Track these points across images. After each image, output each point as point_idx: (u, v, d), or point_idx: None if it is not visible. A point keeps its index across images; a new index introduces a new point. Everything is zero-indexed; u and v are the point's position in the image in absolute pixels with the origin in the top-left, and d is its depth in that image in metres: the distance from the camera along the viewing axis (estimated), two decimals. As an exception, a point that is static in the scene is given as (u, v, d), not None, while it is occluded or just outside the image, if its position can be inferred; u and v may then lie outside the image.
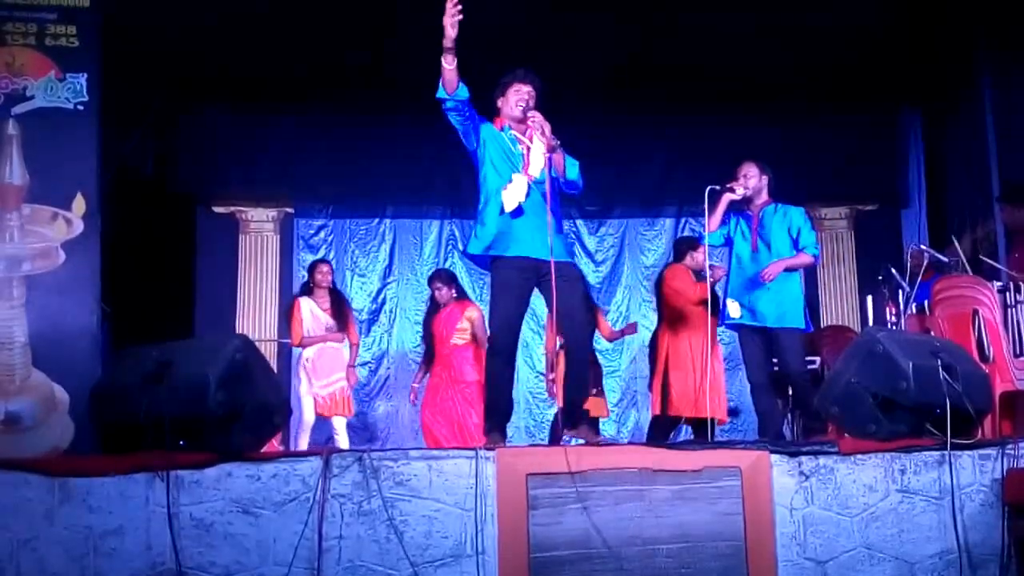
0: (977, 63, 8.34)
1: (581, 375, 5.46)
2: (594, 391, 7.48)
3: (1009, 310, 6.53)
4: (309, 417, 7.81)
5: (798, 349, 6.14)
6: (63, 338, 5.58)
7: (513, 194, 5.21)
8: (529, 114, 5.27)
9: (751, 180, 6.32)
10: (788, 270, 6.12)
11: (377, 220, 10.03)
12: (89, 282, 5.73)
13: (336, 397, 7.88)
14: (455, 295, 8.04)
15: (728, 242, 6.41)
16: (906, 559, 4.49)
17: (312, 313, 7.92)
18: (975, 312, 6.31)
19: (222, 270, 9.65)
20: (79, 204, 5.73)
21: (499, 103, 5.47)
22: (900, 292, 7.36)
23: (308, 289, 8.08)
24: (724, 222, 6.40)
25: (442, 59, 5.20)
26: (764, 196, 6.37)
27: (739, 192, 6.18)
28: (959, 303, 6.50)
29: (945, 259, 7.49)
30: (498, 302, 5.31)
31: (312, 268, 8.21)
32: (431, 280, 8.18)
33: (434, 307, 8.07)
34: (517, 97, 5.40)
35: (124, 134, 8.19)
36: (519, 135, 5.38)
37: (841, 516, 4.50)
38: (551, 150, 5.26)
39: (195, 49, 8.21)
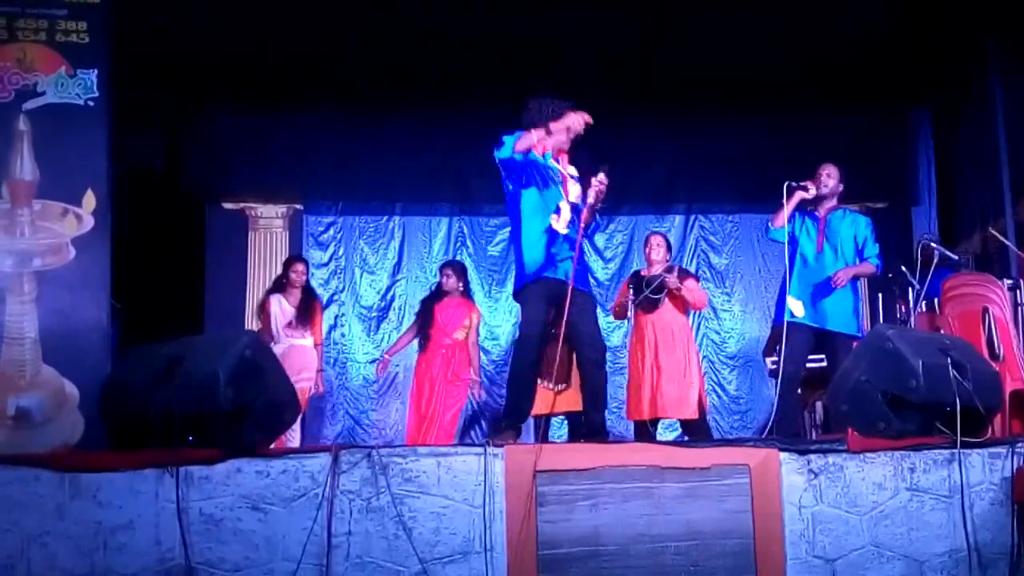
0: (987, 61, 8.32)
1: (600, 394, 5.59)
2: (559, 387, 7.50)
3: (1019, 308, 6.53)
4: None
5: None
6: (73, 334, 5.59)
7: (563, 221, 5.43)
8: (599, 178, 5.41)
9: (831, 181, 6.36)
10: (854, 278, 6.20)
11: (386, 217, 10.02)
12: (99, 278, 5.74)
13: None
14: (462, 289, 8.08)
15: (792, 241, 6.39)
16: (915, 557, 4.48)
17: (280, 308, 7.92)
18: (985, 310, 6.30)
19: (232, 266, 9.66)
20: (89, 200, 5.74)
21: (549, 125, 5.49)
22: (910, 290, 7.34)
23: (281, 286, 8.08)
24: (790, 220, 6.42)
25: (535, 131, 5.33)
26: (834, 200, 6.41)
27: (811, 192, 6.23)
28: (969, 301, 6.49)
29: (955, 256, 7.48)
30: (535, 309, 5.45)
31: (287, 265, 8.19)
32: (443, 266, 8.25)
33: (438, 293, 8.11)
34: (577, 133, 5.51)
35: (134, 131, 8.19)
36: (559, 163, 5.56)
37: (850, 514, 4.49)
38: (594, 209, 5.49)
39: (205, 46, 8.22)
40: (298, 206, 9.91)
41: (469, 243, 10.00)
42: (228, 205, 9.79)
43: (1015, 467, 4.56)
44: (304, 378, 7.72)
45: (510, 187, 5.58)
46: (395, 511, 4.27)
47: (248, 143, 9.59)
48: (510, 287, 9.64)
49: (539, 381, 6.61)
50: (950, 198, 9.57)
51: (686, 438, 7.33)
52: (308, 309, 7.99)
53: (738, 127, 9.50)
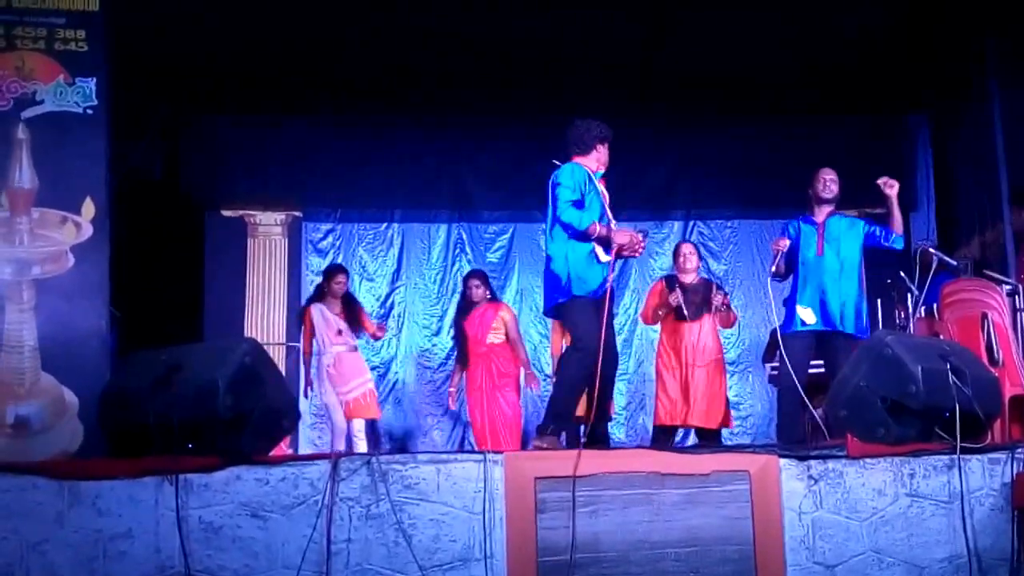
0: (985, 66, 8.32)
1: (607, 404, 5.74)
2: None
3: (1018, 314, 6.53)
4: (340, 422, 7.83)
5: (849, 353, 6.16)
6: (72, 342, 5.58)
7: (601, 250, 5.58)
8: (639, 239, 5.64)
9: (835, 186, 6.44)
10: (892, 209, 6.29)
11: (385, 224, 10.03)
12: (98, 286, 5.73)
13: (361, 401, 7.87)
14: (489, 296, 8.11)
15: (793, 249, 6.39)
16: (915, 563, 4.47)
17: (324, 318, 7.90)
18: (984, 316, 6.31)
19: (231, 274, 9.66)
20: (88, 208, 5.73)
21: (597, 146, 5.76)
22: (909, 296, 7.34)
23: (320, 295, 8.07)
24: (784, 230, 6.52)
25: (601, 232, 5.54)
26: (833, 205, 6.45)
27: (786, 244, 6.39)
28: (968, 307, 6.49)
29: (954, 262, 7.48)
30: (592, 321, 5.49)
31: (329, 276, 8.14)
32: (468, 277, 8.27)
33: (465, 307, 8.14)
34: (607, 155, 5.81)
35: (133, 138, 8.19)
36: (599, 183, 5.72)
37: (850, 520, 4.49)
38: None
39: (203, 54, 8.23)
40: (297, 213, 9.92)
41: (468, 250, 10.00)
42: (227, 212, 9.80)
43: (1015, 473, 4.56)
44: (363, 382, 7.89)
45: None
46: (395, 518, 4.26)
47: (247, 150, 9.60)
48: (509, 294, 9.70)
49: None
50: (949, 203, 9.57)
51: (696, 443, 7.40)
52: (354, 314, 8.01)
53: (736, 132, 9.51)
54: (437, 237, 10.05)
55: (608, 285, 5.53)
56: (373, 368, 9.52)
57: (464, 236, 10.04)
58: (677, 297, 7.37)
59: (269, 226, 9.87)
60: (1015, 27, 7.74)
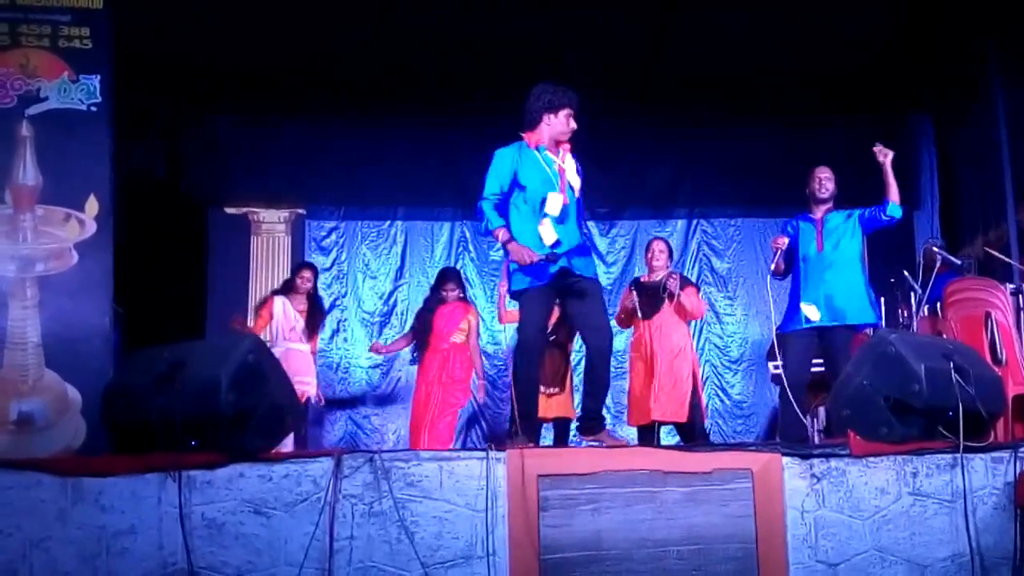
0: (988, 64, 8.32)
1: (601, 383, 5.56)
2: (555, 390, 7.58)
3: (1022, 312, 6.52)
4: None
5: (849, 346, 6.13)
6: (76, 339, 5.59)
7: (547, 231, 5.33)
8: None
9: (831, 184, 6.42)
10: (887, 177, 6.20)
11: (388, 222, 10.05)
12: (102, 283, 5.74)
13: None
14: (460, 295, 8.14)
15: (793, 247, 6.38)
16: (918, 562, 4.47)
17: (284, 311, 7.91)
18: (987, 315, 6.30)
19: (234, 271, 9.67)
20: (92, 205, 5.74)
21: (543, 118, 5.51)
22: (912, 294, 7.35)
23: (289, 288, 8.08)
24: (783, 228, 6.50)
25: (502, 239, 5.36)
26: (831, 203, 6.42)
27: (784, 243, 6.37)
28: (971, 305, 6.49)
29: (957, 261, 7.48)
30: (531, 311, 5.43)
31: (295, 270, 8.26)
32: (446, 279, 8.23)
33: (435, 302, 8.12)
34: (571, 126, 5.51)
35: (137, 136, 8.21)
36: (554, 156, 5.49)
37: (853, 519, 4.49)
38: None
39: (207, 52, 8.25)
40: (300, 211, 9.93)
41: (471, 247, 10.02)
42: (230, 210, 9.81)
43: (1018, 471, 4.55)
44: (302, 382, 7.72)
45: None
46: (397, 515, 4.26)
47: (250, 148, 9.62)
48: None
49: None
50: (952, 202, 9.57)
51: (681, 443, 7.36)
52: (314, 319, 8.01)
53: (739, 131, 9.51)
54: (440, 235, 10.07)
55: (554, 269, 5.32)
56: (376, 366, 9.56)
57: (467, 234, 10.05)
58: (632, 299, 7.35)
59: (272, 223, 9.88)
60: (1017, 26, 7.74)
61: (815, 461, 4.53)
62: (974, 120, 8.88)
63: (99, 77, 5.84)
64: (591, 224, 10.14)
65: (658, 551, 4.38)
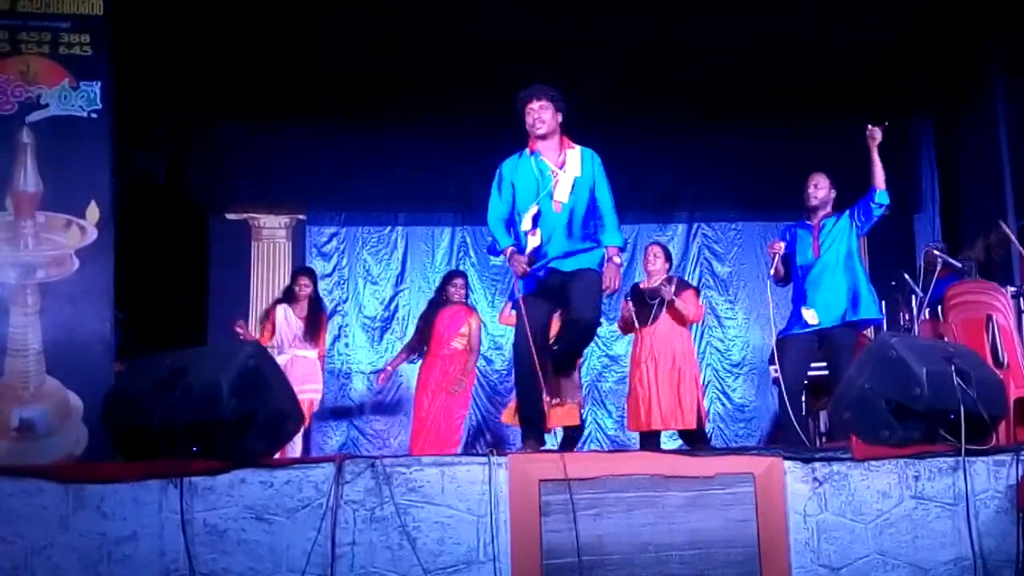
0: (988, 66, 8.32)
1: (570, 359, 5.67)
2: (558, 400, 7.53)
3: (1023, 315, 6.52)
4: None
5: (852, 347, 6.10)
6: (77, 345, 5.60)
7: (533, 239, 5.37)
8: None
9: (820, 192, 6.35)
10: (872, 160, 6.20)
11: (389, 227, 10.05)
12: (103, 289, 5.75)
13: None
14: (465, 298, 8.10)
15: (791, 254, 6.37)
16: (920, 566, 4.47)
17: (286, 318, 7.91)
18: (989, 317, 6.30)
19: (234, 277, 9.68)
20: (93, 212, 5.75)
21: (526, 124, 5.52)
22: (913, 297, 7.35)
23: (290, 296, 8.07)
24: (782, 237, 6.47)
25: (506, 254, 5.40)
26: (828, 208, 6.37)
27: (781, 247, 6.35)
28: (973, 308, 6.49)
29: (958, 264, 7.48)
30: (520, 316, 5.41)
31: (293, 277, 8.25)
32: (452, 276, 8.22)
33: (439, 303, 8.08)
34: (529, 119, 5.48)
35: (137, 142, 8.22)
36: (549, 161, 5.45)
37: (855, 522, 4.48)
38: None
39: (207, 58, 8.25)
40: (301, 217, 9.95)
41: (472, 253, 10.03)
42: (231, 216, 9.82)
43: (1020, 474, 4.55)
44: (308, 390, 7.71)
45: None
46: (399, 521, 4.26)
47: (251, 154, 9.62)
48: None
49: None
50: (953, 205, 9.57)
51: (684, 448, 7.34)
52: (314, 323, 8.00)
53: (740, 134, 9.51)
54: (441, 240, 10.08)
55: (538, 273, 5.36)
56: (377, 372, 9.55)
57: (468, 239, 10.06)
58: (628, 308, 7.32)
59: (273, 229, 9.89)
60: (1018, 28, 7.74)
61: (817, 465, 4.53)
62: (974, 122, 8.88)
63: (99, 84, 5.85)
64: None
65: (660, 555, 4.38)
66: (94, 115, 5.83)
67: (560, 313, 5.66)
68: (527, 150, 5.52)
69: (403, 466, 4.35)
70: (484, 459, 4.39)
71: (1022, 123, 8.07)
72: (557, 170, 5.42)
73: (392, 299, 9.94)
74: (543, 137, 5.46)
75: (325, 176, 9.68)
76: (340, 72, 8.66)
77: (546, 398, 7.18)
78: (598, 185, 5.50)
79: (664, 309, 7.19)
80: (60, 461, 5.31)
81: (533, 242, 5.33)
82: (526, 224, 5.37)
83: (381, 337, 9.81)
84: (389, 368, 8.44)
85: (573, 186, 5.41)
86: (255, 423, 4.39)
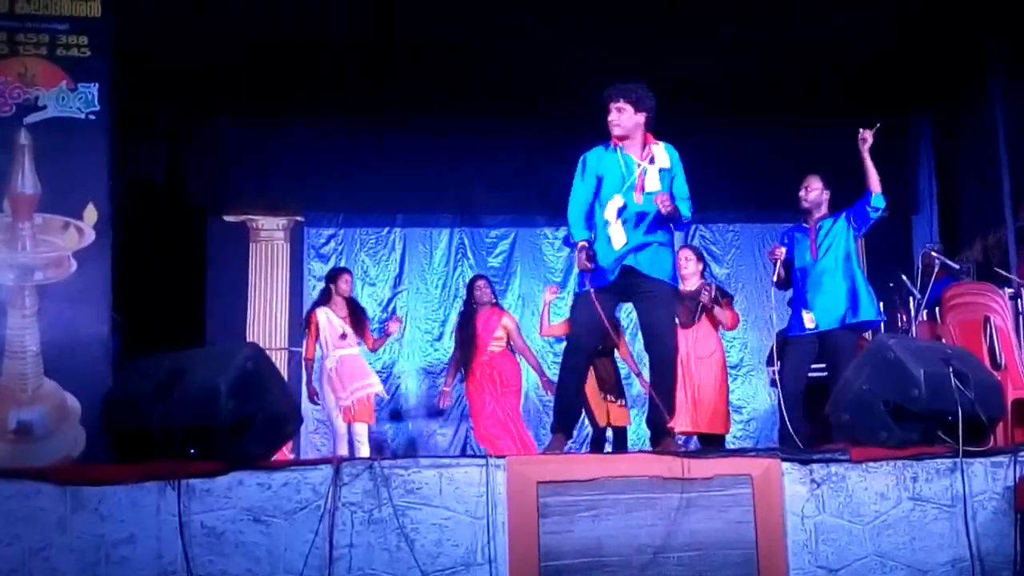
0: (986, 67, 8.32)
1: (661, 393, 5.43)
2: (619, 402, 7.63)
3: (1021, 317, 6.52)
4: (340, 427, 7.70)
5: (852, 349, 6.10)
6: (75, 347, 5.58)
7: (616, 233, 5.33)
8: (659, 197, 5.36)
9: (812, 194, 6.35)
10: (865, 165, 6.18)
11: (387, 229, 10.05)
12: (101, 291, 5.73)
13: (365, 402, 7.72)
14: (493, 301, 8.07)
15: (791, 258, 6.37)
16: (918, 567, 4.47)
17: (329, 321, 7.82)
18: (987, 319, 6.31)
19: (233, 279, 9.67)
20: (90, 213, 5.74)
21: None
22: (911, 299, 7.35)
23: (326, 298, 8.05)
24: (781, 242, 6.48)
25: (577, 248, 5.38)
26: (824, 210, 6.36)
27: (782, 253, 6.37)
28: (970, 310, 6.49)
29: (956, 265, 7.48)
30: (580, 310, 5.42)
31: (335, 277, 8.08)
32: (474, 280, 8.18)
33: (469, 311, 8.02)
34: (613, 117, 5.55)
35: (135, 143, 8.21)
36: (634, 155, 5.49)
37: (853, 524, 4.49)
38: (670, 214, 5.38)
39: (205, 59, 8.24)
40: (299, 218, 9.94)
41: (470, 254, 10.02)
42: (229, 217, 9.81)
43: (1017, 476, 4.55)
44: (366, 384, 7.73)
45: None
46: (397, 523, 4.26)
47: (249, 155, 9.62)
48: (511, 298, 9.74)
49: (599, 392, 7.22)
50: (951, 206, 9.57)
51: (699, 447, 7.34)
52: (358, 318, 7.98)
53: (738, 134, 9.50)
54: (439, 242, 10.07)
55: (616, 269, 5.31)
56: (377, 372, 9.53)
57: (466, 241, 10.05)
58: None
59: (271, 231, 9.88)
60: (1017, 28, 7.74)
61: (815, 466, 4.53)
62: (973, 123, 8.88)
63: (97, 85, 5.83)
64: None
65: (658, 557, 4.38)
66: (92, 117, 5.82)
67: (640, 327, 5.66)
68: (611, 143, 5.54)
69: (401, 468, 4.36)
70: (482, 461, 4.40)
71: (1020, 124, 8.07)
72: (643, 163, 5.47)
73: (390, 300, 9.93)
74: (620, 138, 5.52)
75: (323, 177, 9.67)
76: (338, 73, 8.64)
77: (608, 397, 7.30)
78: (677, 178, 5.58)
79: (703, 314, 7.20)
80: (58, 463, 5.30)
81: (615, 234, 5.32)
82: (609, 214, 5.36)
83: (378, 338, 9.78)
84: (446, 388, 8.22)
85: (659, 178, 5.46)
86: (253, 425, 4.40)
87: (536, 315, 8.88)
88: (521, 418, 8.04)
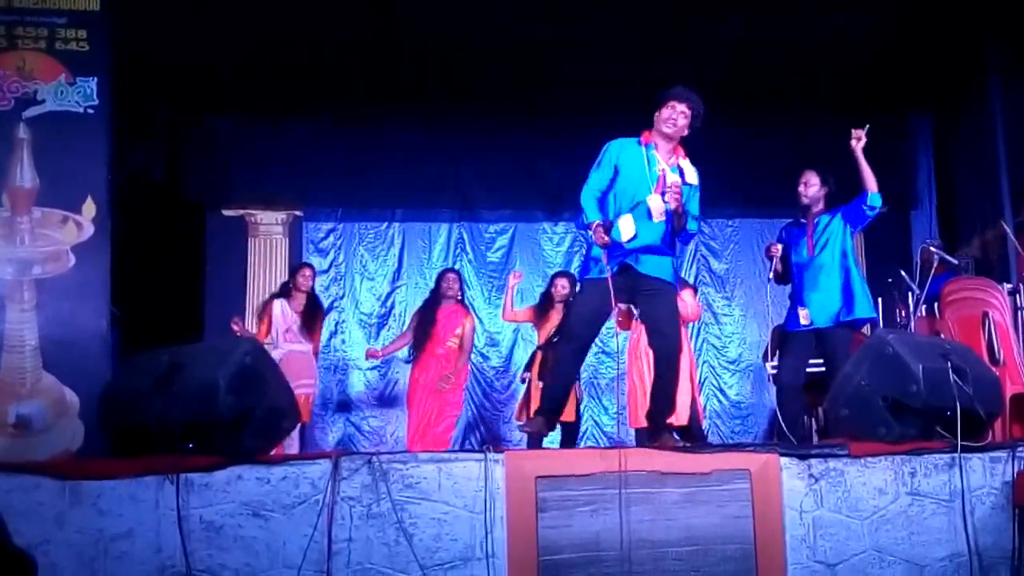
0: (986, 64, 8.32)
1: (663, 391, 5.45)
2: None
3: (1019, 312, 6.53)
4: None
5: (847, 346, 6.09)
6: (73, 341, 5.59)
7: (626, 225, 5.27)
8: (671, 184, 5.33)
9: (810, 190, 6.31)
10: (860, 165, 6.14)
11: (386, 224, 10.05)
12: (99, 285, 5.74)
13: (298, 401, 7.76)
14: (459, 297, 8.10)
15: (788, 255, 6.36)
16: (916, 562, 4.47)
17: (282, 312, 7.89)
18: (985, 314, 6.31)
19: (231, 273, 9.67)
20: (89, 208, 5.74)
21: (655, 115, 5.52)
22: (910, 294, 7.35)
23: (287, 291, 8.06)
24: (779, 238, 6.47)
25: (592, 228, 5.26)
26: (821, 205, 6.33)
27: (778, 250, 6.32)
28: (969, 305, 6.49)
29: (955, 261, 7.49)
30: (581, 300, 5.46)
31: (295, 271, 8.22)
32: (445, 273, 8.21)
33: (435, 301, 8.07)
34: (666, 112, 5.49)
35: (134, 138, 8.20)
36: (660, 156, 5.46)
37: (851, 519, 4.49)
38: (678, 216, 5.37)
39: (205, 53, 8.23)
40: (298, 213, 9.94)
41: (469, 249, 10.02)
42: (228, 212, 9.81)
43: (1015, 471, 4.56)
44: (304, 384, 7.69)
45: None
46: (396, 517, 4.26)
47: (248, 150, 9.61)
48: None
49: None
50: (950, 202, 9.58)
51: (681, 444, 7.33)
52: (311, 317, 7.98)
53: (737, 131, 9.49)
54: (438, 237, 10.07)
55: (615, 265, 5.24)
56: (374, 368, 9.55)
57: (465, 236, 10.06)
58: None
59: (270, 225, 9.88)
60: (1016, 27, 7.74)
61: (813, 461, 4.53)
62: (972, 120, 8.89)
63: (96, 79, 5.84)
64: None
65: (656, 552, 4.39)
66: (90, 111, 5.82)
67: (644, 323, 5.63)
68: (639, 139, 5.51)
69: (400, 462, 4.36)
70: (481, 455, 4.40)
71: (1019, 121, 8.07)
72: (665, 167, 5.44)
73: (389, 295, 9.94)
74: (666, 137, 5.49)
75: (322, 172, 9.66)
76: (337, 68, 8.64)
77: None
78: (695, 196, 5.61)
79: None
80: (56, 457, 5.31)
81: (631, 229, 5.27)
82: (622, 206, 5.35)
83: (377, 333, 9.80)
84: (380, 353, 8.44)
85: (683, 191, 5.42)
86: (252, 420, 4.40)
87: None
88: (453, 418, 8.15)
